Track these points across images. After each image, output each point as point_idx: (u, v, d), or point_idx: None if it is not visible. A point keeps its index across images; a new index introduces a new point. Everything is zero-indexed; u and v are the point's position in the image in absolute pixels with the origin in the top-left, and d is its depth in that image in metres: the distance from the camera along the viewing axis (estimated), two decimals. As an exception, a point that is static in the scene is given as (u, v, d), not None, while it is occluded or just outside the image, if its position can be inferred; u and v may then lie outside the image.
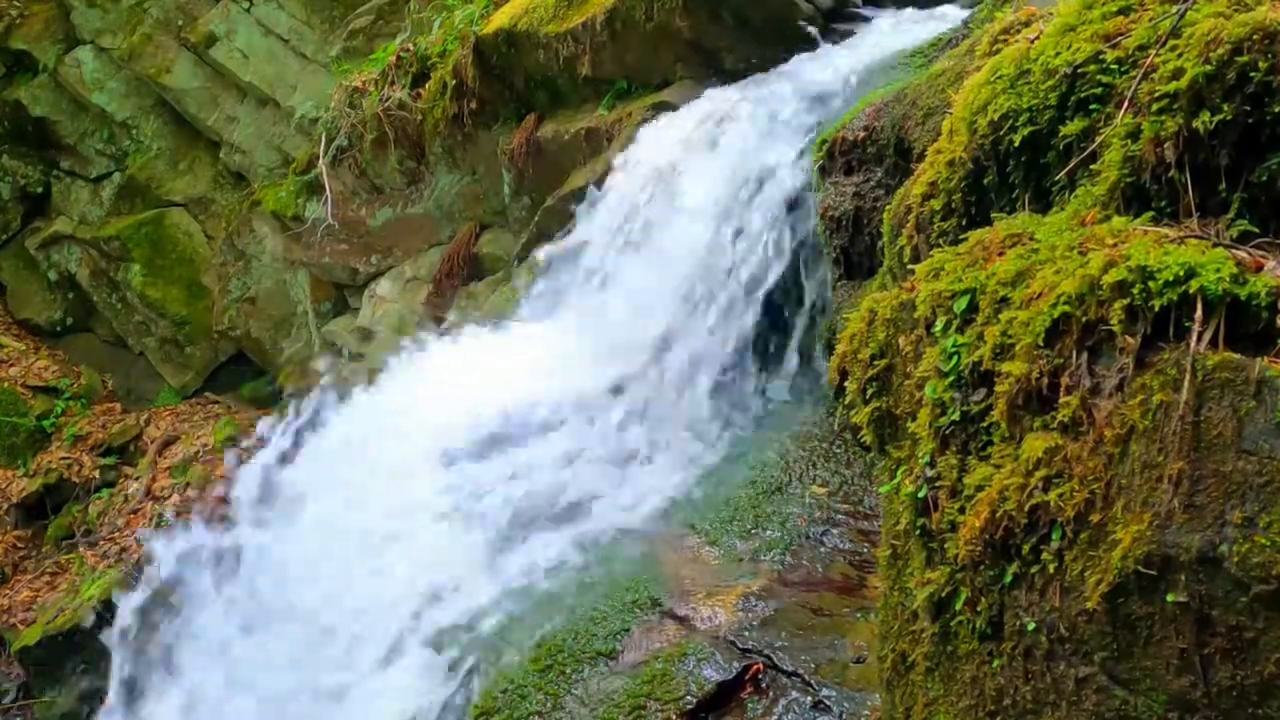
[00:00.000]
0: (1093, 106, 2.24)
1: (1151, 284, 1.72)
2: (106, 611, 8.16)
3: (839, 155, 4.47)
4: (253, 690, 4.54)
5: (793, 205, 4.86)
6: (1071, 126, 2.28)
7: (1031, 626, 1.85)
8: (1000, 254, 2.05)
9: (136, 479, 9.95)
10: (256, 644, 4.71)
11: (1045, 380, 1.84)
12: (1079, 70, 2.27)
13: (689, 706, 3.25)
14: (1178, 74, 1.99)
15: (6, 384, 10.71)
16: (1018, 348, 1.88)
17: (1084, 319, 1.79)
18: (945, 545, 2.03)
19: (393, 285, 8.91)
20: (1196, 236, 1.85)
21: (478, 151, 7.93)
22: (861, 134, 4.38)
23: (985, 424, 1.97)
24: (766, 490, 4.22)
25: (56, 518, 9.89)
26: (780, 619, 3.51)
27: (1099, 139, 2.17)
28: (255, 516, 5.00)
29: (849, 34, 5.76)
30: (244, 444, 5.63)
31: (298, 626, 4.53)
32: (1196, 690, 1.66)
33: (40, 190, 11.63)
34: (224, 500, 5.16)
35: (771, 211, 4.89)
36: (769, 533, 3.99)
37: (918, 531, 2.12)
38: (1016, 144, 2.40)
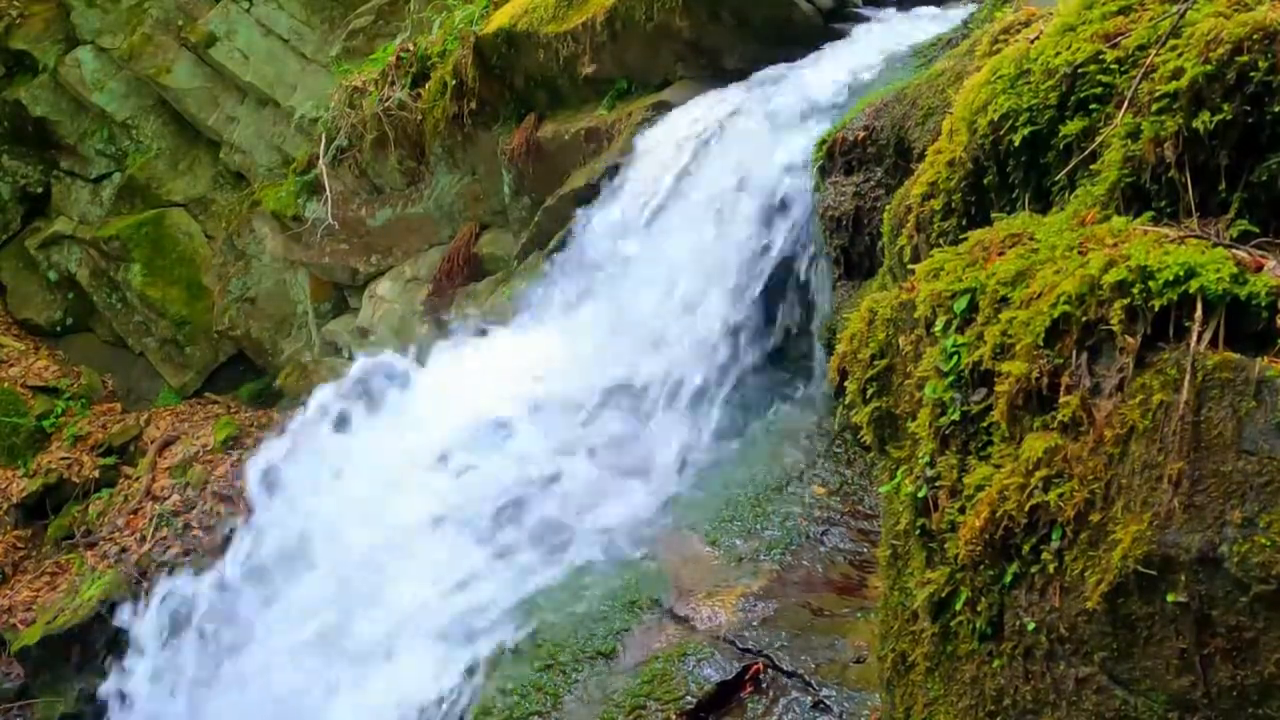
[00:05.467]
0: (1093, 106, 2.24)
1: (1151, 284, 1.72)
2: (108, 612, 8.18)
3: (839, 155, 4.47)
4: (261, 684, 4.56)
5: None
6: (1071, 126, 2.28)
7: (1031, 626, 1.85)
8: (1000, 254, 2.05)
9: (136, 479, 9.95)
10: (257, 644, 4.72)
11: (1045, 380, 1.84)
12: (1079, 70, 2.27)
13: (689, 706, 3.25)
14: (1178, 74, 1.99)
15: (6, 384, 10.71)
16: (1018, 348, 1.88)
17: (1084, 319, 1.79)
18: (945, 545, 2.03)
19: (393, 285, 8.91)
20: (1196, 236, 1.85)
21: (478, 151, 7.93)
22: (861, 134, 4.38)
23: (985, 424, 1.97)
24: (766, 490, 4.22)
25: (56, 518, 9.89)
26: (780, 619, 3.51)
27: (1099, 139, 2.17)
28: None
29: (849, 34, 5.75)
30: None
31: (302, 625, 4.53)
32: (1196, 690, 1.66)
33: (40, 190, 11.63)
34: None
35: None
36: (769, 533, 3.99)
37: (918, 531, 2.12)
38: (1016, 144, 2.40)
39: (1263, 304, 1.65)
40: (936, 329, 2.08)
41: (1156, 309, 1.71)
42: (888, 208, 3.17)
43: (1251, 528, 1.56)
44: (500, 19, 7.39)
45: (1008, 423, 1.91)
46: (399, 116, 8.17)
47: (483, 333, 5.79)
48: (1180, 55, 2.00)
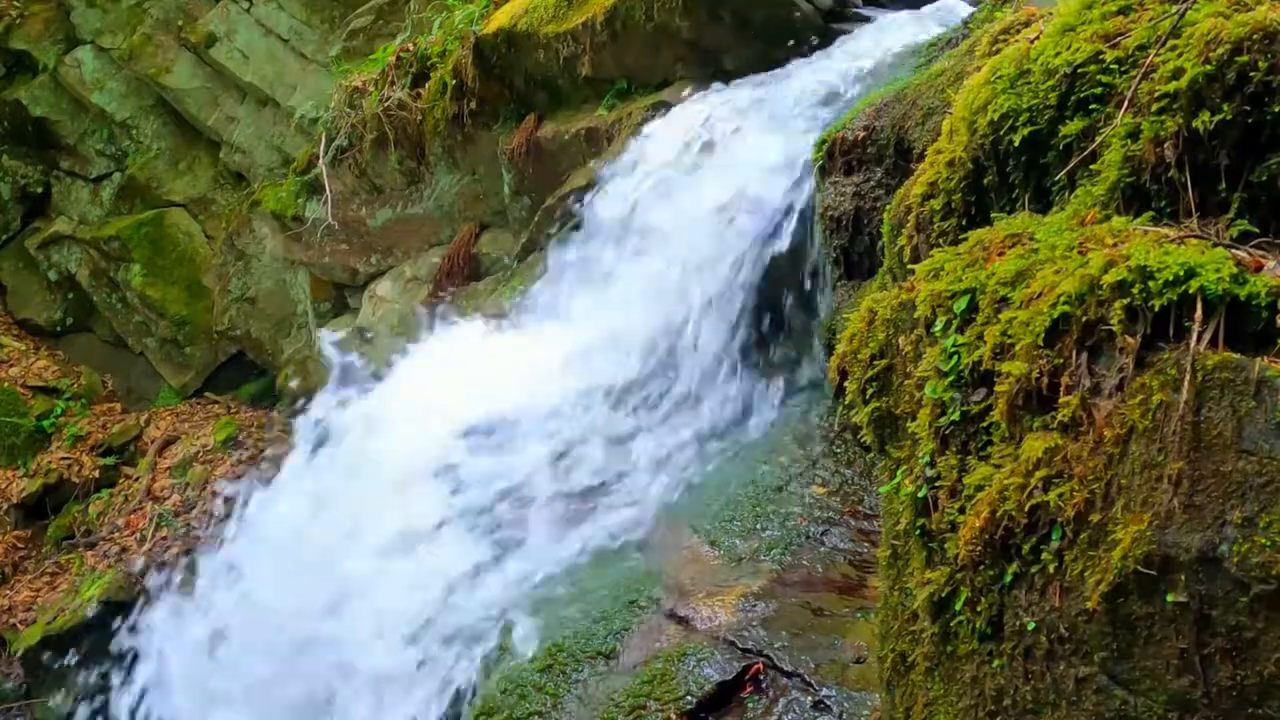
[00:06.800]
0: (1093, 106, 2.24)
1: (1151, 284, 1.72)
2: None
3: (839, 155, 4.47)
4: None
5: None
6: (1071, 126, 2.28)
7: (1031, 626, 1.85)
8: (1000, 254, 2.05)
9: (136, 479, 9.95)
10: (256, 646, 4.71)
11: (1045, 380, 1.84)
12: (1079, 70, 2.27)
13: (689, 706, 3.25)
14: (1178, 74, 1.99)
15: (6, 384, 10.71)
16: (1018, 348, 1.88)
17: (1084, 319, 1.79)
18: (945, 545, 2.03)
19: (393, 285, 8.91)
20: (1196, 236, 1.85)
21: (478, 151, 7.93)
22: (861, 134, 4.38)
23: (985, 424, 1.97)
24: (766, 490, 4.22)
25: (56, 518, 9.89)
26: (780, 619, 3.51)
27: (1099, 139, 2.17)
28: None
29: (849, 34, 5.75)
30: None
31: (300, 624, 4.53)
32: (1196, 690, 1.66)
33: (40, 190, 11.62)
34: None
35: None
36: (769, 533, 3.99)
37: (918, 531, 2.12)
38: (1016, 144, 2.40)
39: (1263, 304, 1.66)
40: (936, 329, 2.08)
41: (1156, 309, 1.71)
42: (888, 208, 3.17)
43: (1251, 528, 1.56)
44: (500, 19, 7.38)
45: (1008, 423, 1.91)
46: (399, 116, 8.17)
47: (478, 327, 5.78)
48: (1180, 55, 2.00)
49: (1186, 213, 1.97)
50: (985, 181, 2.55)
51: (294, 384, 9.37)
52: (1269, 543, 1.54)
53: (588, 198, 5.83)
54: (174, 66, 10.77)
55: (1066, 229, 2.04)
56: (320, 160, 8.80)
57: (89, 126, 11.39)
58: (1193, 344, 1.65)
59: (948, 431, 2.04)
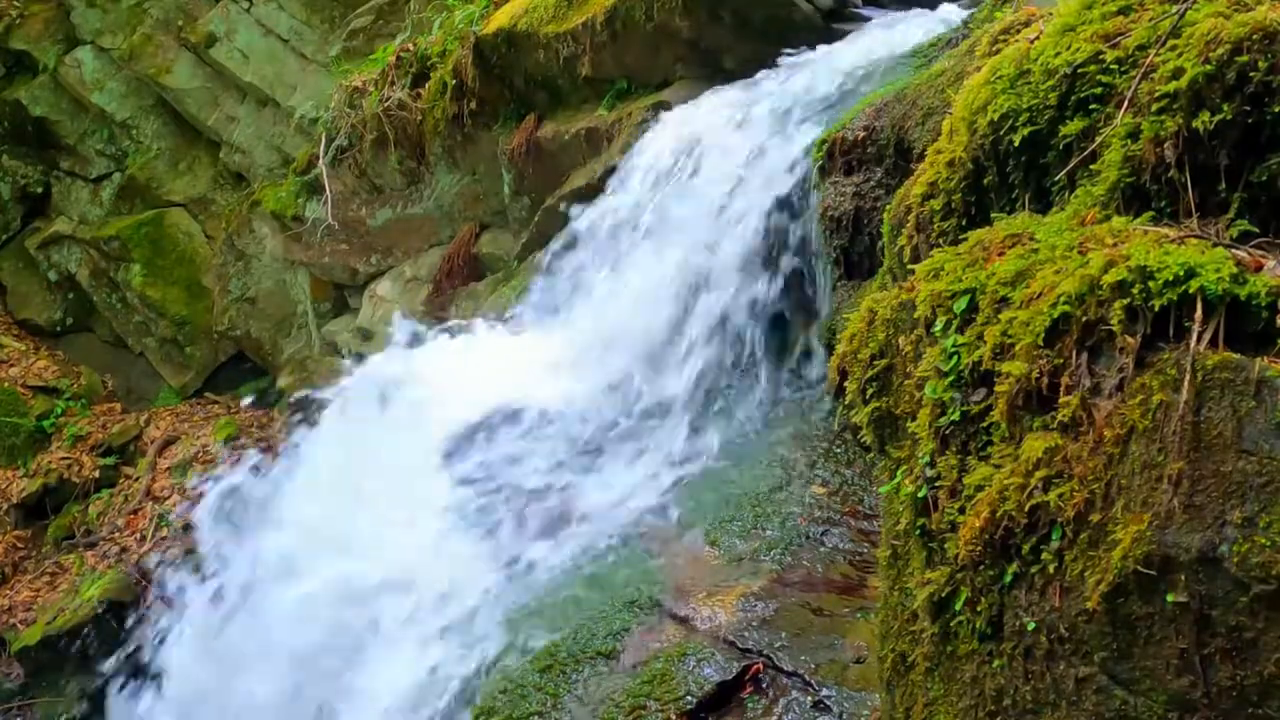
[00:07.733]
0: (1093, 106, 2.24)
1: (1151, 284, 1.72)
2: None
3: (839, 155, 4.47)
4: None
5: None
6: (1071, 126, 2.28)
7: (1031, 626, 1.85)
8: (1000, 254, 2.05)
9: (136, 479, 9.95)
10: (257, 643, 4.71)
11: (1045, 380, 1.84)
12: (1079, 70, 2.27)
13: (689, 706, 3.25)
14: (1178, 74, 1.99)
15: (6, 384, 10.71)
16: (1018, 348, 1.88)
17: (1084, 319, 1.79)
18: (945, 545, 2.03)
19: (393, 285, 8.92)
20: (1196, 236, 1.85)
21: (478, 151, 7.94)
22: (861, 134, 4.38)
23: (985, 424, 1.97)
24: (766, 490, 4.22)
25: (56, 518, 9.89)
26: (780, 619, 3.51)
27: (1099, 139, 2.17)
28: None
29: (849, 34, 5.75)
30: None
31: (299, 623, 4.53)
32: (1196, 690, 1.66)
33: (40, 190, 11.63)
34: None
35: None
36: (769, 533, 3.98)
37: (918, 531, 2.12)
38: (1016, 144, 2.40)
39: (1263, 304, 1.66)
40: (936, 329, 2.08)
41: (1156, 309, 1.71)
42: (888, 208, 3.17)
43: (1251, 528, 1.56)
44: (500, 19, 7.39)
45: (1008, 423, 1.91)
46: (399, 116, 8.17)
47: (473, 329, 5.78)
48: (1180, 55, 2.00)
49: (1186, 213, 1.97)
50: (985, 181, 2.55)
51: (293, 384, 9.38)
52: (1269, 543, 1.54)
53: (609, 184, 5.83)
54: (174, 66, 10.78)
55: (1066, 229, 2.04)
56: (320, 160, 8.80)
57: (89, 126, 11.40)
58: (1193, 344, 1.65)
59: (948, 431, 2.04)
